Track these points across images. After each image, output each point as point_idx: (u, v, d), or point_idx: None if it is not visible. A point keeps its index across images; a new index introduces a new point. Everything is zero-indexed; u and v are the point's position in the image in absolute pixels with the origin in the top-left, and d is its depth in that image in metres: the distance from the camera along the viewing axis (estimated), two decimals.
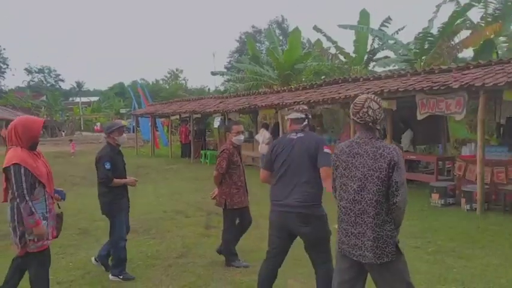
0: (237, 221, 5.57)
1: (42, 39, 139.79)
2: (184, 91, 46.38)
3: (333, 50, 21.48)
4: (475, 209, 8.29)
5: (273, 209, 3.87)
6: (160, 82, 56.69)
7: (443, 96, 8.92)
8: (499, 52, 15.93)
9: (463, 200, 8.55)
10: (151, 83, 54.99)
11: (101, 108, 51.42)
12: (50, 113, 46.20)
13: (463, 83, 8.42)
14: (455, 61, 16.60)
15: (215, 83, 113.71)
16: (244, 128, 25.26)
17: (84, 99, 64.47)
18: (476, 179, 8.42)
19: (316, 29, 21.29)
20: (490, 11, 17.18)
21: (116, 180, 5.05)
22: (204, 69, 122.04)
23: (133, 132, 26.74)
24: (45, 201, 3.68)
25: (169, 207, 9.23)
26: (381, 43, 20.64)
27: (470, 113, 10.43)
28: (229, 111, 16.16)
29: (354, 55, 20.37)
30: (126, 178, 5.22)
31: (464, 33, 17.16)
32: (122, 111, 47.09)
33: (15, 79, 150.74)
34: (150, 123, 23.47)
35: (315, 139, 3.89)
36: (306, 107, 4.10)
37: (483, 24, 17.13)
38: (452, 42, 16.79)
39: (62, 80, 70.58)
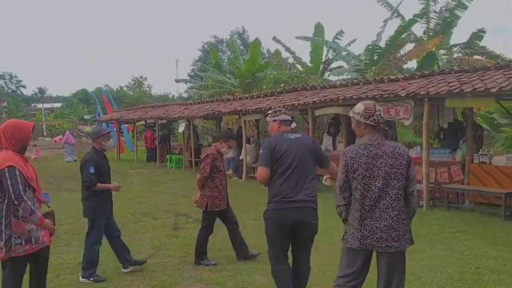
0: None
1: (2, 44, 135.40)
2: (149, 98, 46.43)
3: (291, 60, 22.30)
4: (422, 206, 8.72)
5: (281, 206, 3.84)
6: (125, 89, 56.28)
7: (393, 103, 9.49)
8: (440, 63, 16.65)
9: None
10: (115, 90, 54.60)
11: (64, 114, 50.62)
12: (11, 119, 44.99)
13: (409, 92, 9.05)
14: (401, 71, 17.54)
15: (178, 90, 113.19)
16: (207, 133, 26.03)
17: (46, 105, 62.75)
18: (422, 179, 8.83)
19: (276, 39, 22.03)
20: (431, 26, 18.31)
21: (99, 185, 5.07)
22: (168, 77, 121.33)
23: None
24: (34, 204, 3.58)
25: (137, 209, 9.26)
26: (334, 54, 21.19)
27: (415, 118, 10.83)
28: (194, 117, 16.57)
29: (310, 65, 20.95)
30: (110, 183, 5.26)
31: (409, 46, 18.27)
32: (86, 117, 46.62)
33: None
34: (115, 129, 23.82)
35: (311, 140, 4.15)
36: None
37: (425, 38, 18.21)
38: (398, 54, 17.76)
39: (24, 86, 68.90)
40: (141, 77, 56.09)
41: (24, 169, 3.52)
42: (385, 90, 9.84)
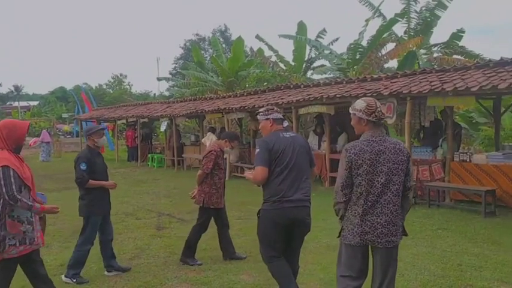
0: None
1: None
2: (129, 96, 45.90)
3: (274, 58, 22.25)
4: None
5: (279, 206, 3.81)
6: (104, 87, 55.55)
7: None
8: (420, 63, 16.88)
9: None
10: (94, 88, 53.86)
11: (41, 112, 49.66)
12: None
13: (392, 91, 9.13)
14: (382, 70, 17.87)
15: (160, 88, 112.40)
16: (190, 131, 25.79)
17: (23, 104, 61.60)
18: None
19: (259, 38, 21.94)
20: (412, 25, 18.63)
21: (92, 182, 5.03)
22: (148, 75, 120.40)
23: (77, 136, 26.52)
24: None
25: (119, 209, 9.03)
26: (317, 53, 21.30)
27: (397, 117, 11.43)
28: (177, 115, 16.46)
29: (293, 63, 21.01)
30: (107, 181, 5.23)
31: (390, 46, 18.52)
32: (64, 115, 45.77)
33: None
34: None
35: (303, 139, 4.22)
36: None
37: (406, 38, 18.52)
38: (379, 54, 17.98)
39: None
40: (121, 75, 55.41)
41: (19, 169, 3.52)
42: (368, 89, 9.91)
